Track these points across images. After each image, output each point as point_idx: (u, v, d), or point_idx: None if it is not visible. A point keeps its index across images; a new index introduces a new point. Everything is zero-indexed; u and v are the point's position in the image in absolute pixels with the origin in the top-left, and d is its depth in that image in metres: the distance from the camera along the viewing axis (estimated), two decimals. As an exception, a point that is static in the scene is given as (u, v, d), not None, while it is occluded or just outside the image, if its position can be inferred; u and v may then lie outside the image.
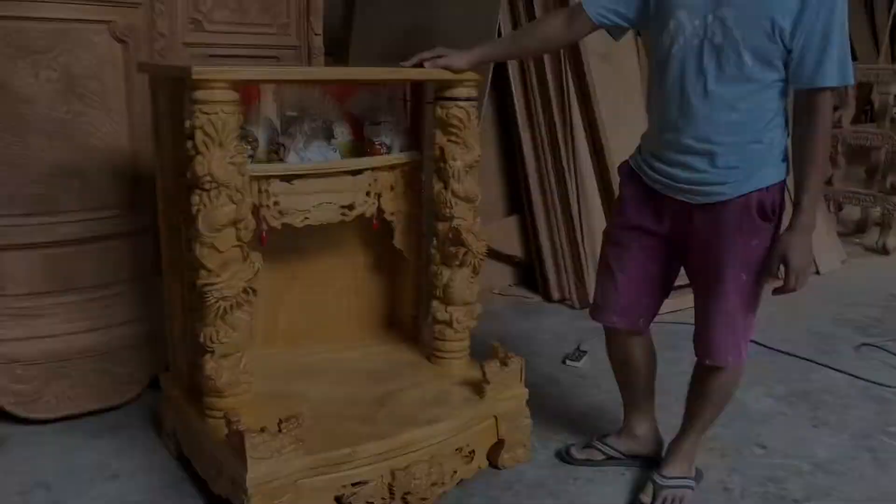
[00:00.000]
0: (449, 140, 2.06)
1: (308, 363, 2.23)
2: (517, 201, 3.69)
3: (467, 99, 2.04)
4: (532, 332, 3.17)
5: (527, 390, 2.09)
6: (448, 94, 2.04)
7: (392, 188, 2.20)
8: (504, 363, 2.04)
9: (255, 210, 1.95)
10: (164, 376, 2.17)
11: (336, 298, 2.40)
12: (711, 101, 1.71)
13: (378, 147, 2.16)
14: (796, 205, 1.74)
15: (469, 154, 2.07)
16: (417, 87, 2.25)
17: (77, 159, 2.27)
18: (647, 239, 1.93)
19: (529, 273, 3.70)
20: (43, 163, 2.23)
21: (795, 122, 1.74)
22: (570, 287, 3.47)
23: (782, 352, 3.01)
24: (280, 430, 1.66)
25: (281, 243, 2.14)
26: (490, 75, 3.27)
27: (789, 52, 1.66)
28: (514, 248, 3.65)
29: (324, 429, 1.84)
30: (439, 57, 1.98)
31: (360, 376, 2.14)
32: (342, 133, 2.18)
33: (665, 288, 2.02)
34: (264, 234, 2.00)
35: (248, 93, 1.97)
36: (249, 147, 1.97)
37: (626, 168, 1.98)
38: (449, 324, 2.17)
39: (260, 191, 1.95)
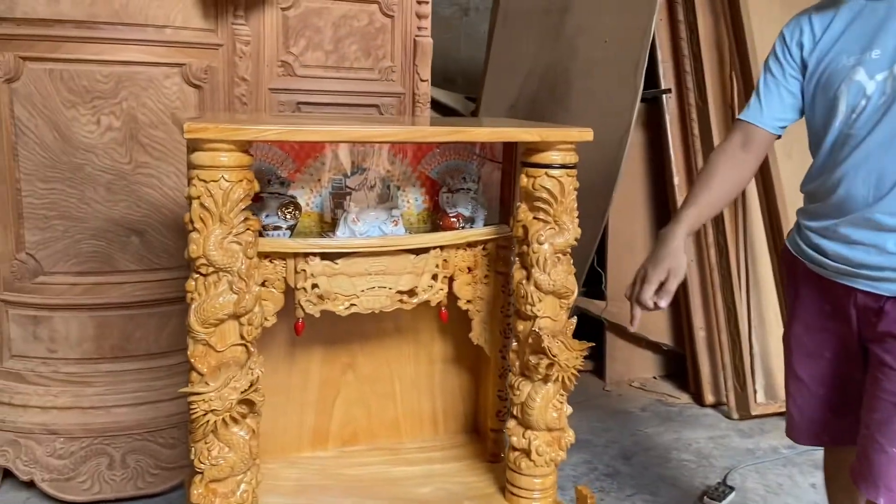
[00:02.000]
0: (535, 217, 1.59)
1: (357, 478, 1.82)
2: (669, 276, 3.08)
3: (562, 166, 1.56)
4: (671, 447, 2.54)
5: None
6: (536, 158, 1.57)
7: (469, 270, 1.76)
8: (589, 523, 1.51)
9: (289, 292, 1.61)
10: (188, 478, 1.85)
11: (403, 395, 1.98)
12: None
13: (452, 220, 1.74)
14: None
15: (561, 236, 1.58)
16: (510, 146, 1.80)
17: (137, 214, 2.06)
18: (830, 338, 1.56)
19: (679, 365, 3.07)
20: (100, 217, 2.03)
21: None
22: (729, 390, 2.80)
23: None
24: None
25: (336, 324, 1.77)
26: (633, 118, 2.71)
27: None
28: (660, 333, 3.04)
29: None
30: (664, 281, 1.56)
31: (413, 508, 1.70)
32: (414, 200, 1.79)
33: None
34: (300, 322, 1.64)
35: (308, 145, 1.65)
36: (290, 216, 1.63)
37: (787, 254, 1.59)
38: (527, 453, 1.68)
39: (296, 270, 1.59)
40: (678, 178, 2.97)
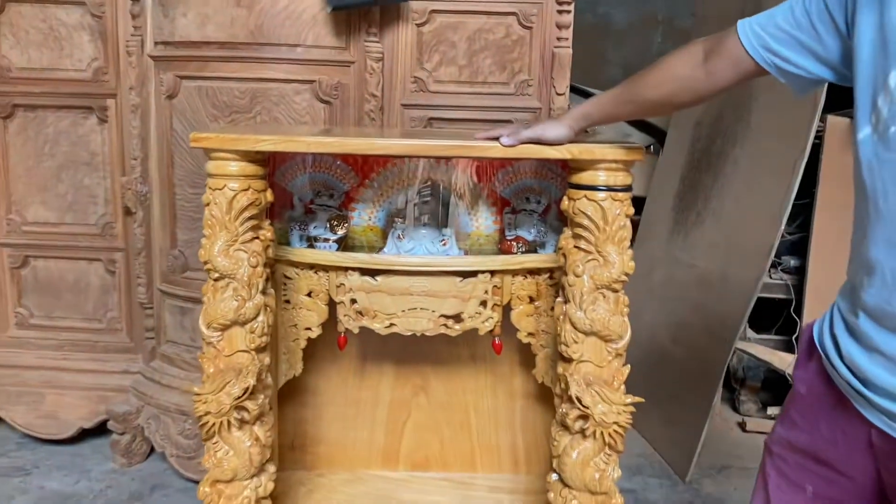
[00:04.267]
0: (576, 246, 1.39)
1: (418, 506, 1.75)
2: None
3: (608, 188, 1.34)
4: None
5: None
6: (577, 179, 1.37)
7: (532, 300, 1.59)
8: None
9: (331, 305, 1.60)
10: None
11: (479, 428, 1.86)
12: None
13: (510, 243, 1.59)
14: None
15: (605, 269, 1.36)
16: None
17: (266, 221, 2.19)
18: (823, 474, 1.08)
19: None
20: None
21: None
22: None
23: None
24: None
25: (407, 343, 1.71)
26: (809, 137, 2.23)
27: None
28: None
29: None
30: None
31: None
32: (485, 220, 1.67)
33: None
34: (342, 335, 1.62)
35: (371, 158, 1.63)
36: (338, 229, 1.62)
37: (807, 335, 1.11)
38: (564, 516, 1.46)
39: (337, 285, 1.58)
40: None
